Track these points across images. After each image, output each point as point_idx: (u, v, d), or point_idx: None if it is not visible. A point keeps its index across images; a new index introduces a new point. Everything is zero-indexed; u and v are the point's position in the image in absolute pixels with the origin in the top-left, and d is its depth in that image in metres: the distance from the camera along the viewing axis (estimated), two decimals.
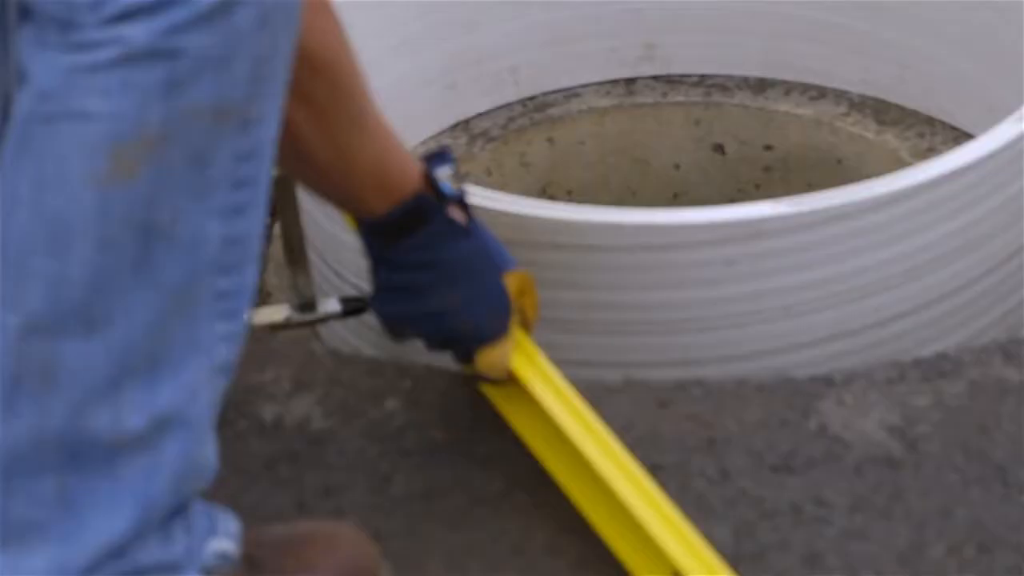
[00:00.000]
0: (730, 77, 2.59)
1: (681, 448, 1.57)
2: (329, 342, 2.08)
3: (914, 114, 2.46)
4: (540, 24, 2.48)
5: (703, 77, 2.58)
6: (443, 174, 1.51)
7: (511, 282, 1.55)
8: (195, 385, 1.25)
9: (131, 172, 1.15)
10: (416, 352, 1.87)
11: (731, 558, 1.45)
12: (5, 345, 1.20)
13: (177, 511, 1.29)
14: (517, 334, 1.58)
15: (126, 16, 1.12)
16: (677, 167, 2.58)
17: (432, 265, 1.51)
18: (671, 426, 1.60)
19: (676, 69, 2.58)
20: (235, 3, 1.14)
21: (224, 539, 1.33)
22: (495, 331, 1.55)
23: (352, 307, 1.81)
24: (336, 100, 1.40)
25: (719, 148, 2.57)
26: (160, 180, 1.17)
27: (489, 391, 1.63)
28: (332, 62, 1.38)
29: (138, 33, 1.12)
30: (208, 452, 1.29)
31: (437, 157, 1.53)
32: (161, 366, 1.23)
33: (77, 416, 1.21)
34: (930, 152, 2.37)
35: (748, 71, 2.58)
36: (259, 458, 1.60)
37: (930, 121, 2.44)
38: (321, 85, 1.37)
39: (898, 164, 2.33)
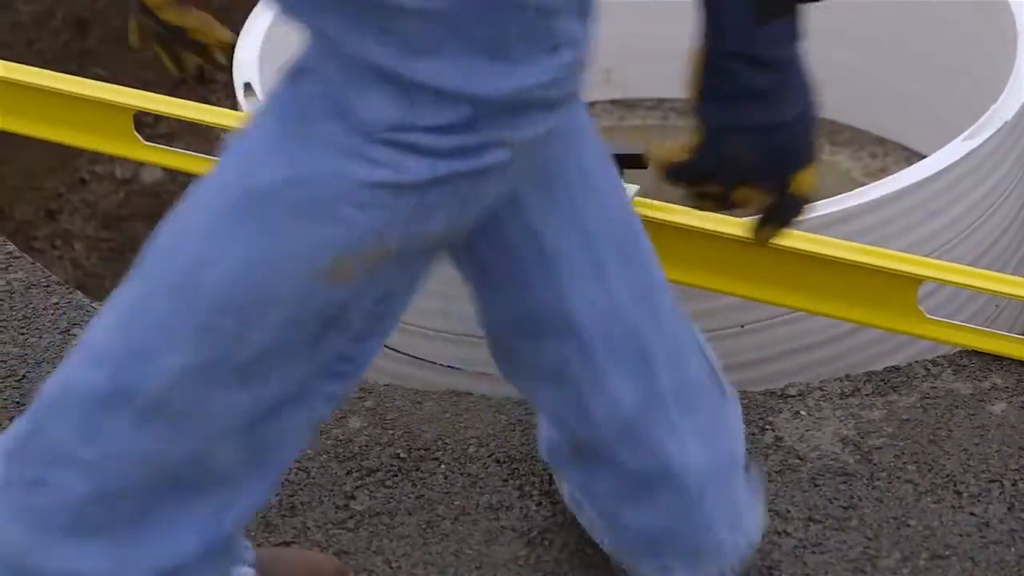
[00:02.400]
0: (687, 100, 2.60)
1: None
2: None
3: (866, 135, 2.48)
4: None
5: (660, 101, 2.59)
6: None
7: None
8: (287, 434, 1.27)
9: (348, 277, 1.17)
10: (375, 372, 1.88)
11: None
12: (159, 376, 1.20)
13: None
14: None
15: (419, 153, 1.13)
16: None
17: (785, 65, 1.36)
18: None
19: (633, 93, 2.59)
20: (502, 167, 1.16)
21: (248, 567, 1.35)
22: (815, 153, 1.42)
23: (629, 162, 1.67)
24: None
25: None
26: (366, 287, 1.19)
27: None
28: None
29: (421, 169, 1.13)
30: (271, 494, 1.32)
31: None
32: (273, 413, 1.25)
33: (197, 451, 1.23)
34: (883, 172, 2.39)
35: None
36: None
37: (882, 141, 2.46)
38: None
39: (851, 184, 2.35)
